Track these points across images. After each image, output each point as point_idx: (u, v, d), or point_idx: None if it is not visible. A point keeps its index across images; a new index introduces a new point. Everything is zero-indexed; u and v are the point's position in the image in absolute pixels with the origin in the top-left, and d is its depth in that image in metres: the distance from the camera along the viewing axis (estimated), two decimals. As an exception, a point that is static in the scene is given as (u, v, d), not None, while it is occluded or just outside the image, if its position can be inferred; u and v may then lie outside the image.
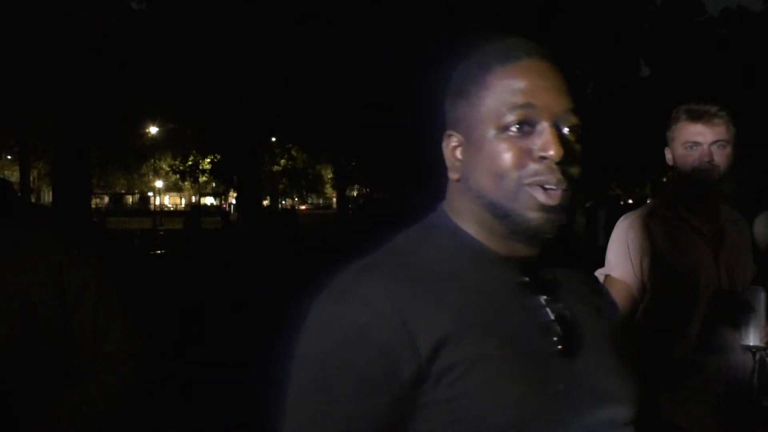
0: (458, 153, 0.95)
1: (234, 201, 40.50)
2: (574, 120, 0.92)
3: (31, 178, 41.23)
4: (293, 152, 35.34)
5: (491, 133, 0.91)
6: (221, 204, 48.76)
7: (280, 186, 41.60)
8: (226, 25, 19.65)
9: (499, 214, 0.91)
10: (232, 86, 20.48)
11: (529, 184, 0.89)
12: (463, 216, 0.96)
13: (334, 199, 45.67)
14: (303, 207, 55.40)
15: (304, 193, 46.06)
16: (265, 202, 37.33)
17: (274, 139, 31.27)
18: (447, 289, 0.88)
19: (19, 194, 1.52)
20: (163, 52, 19.97)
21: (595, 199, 16.89)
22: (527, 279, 0.93)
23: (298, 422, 0.88)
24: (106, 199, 55.30)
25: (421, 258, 0.91)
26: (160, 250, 19.64)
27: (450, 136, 0.96)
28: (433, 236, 0.95)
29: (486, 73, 0.92)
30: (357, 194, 42.75)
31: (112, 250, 18.84)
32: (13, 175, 47.90)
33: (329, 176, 46.27)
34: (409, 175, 21.63)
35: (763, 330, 1.88)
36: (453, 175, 0.96)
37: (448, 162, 0.96)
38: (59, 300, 1.35)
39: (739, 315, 1.92)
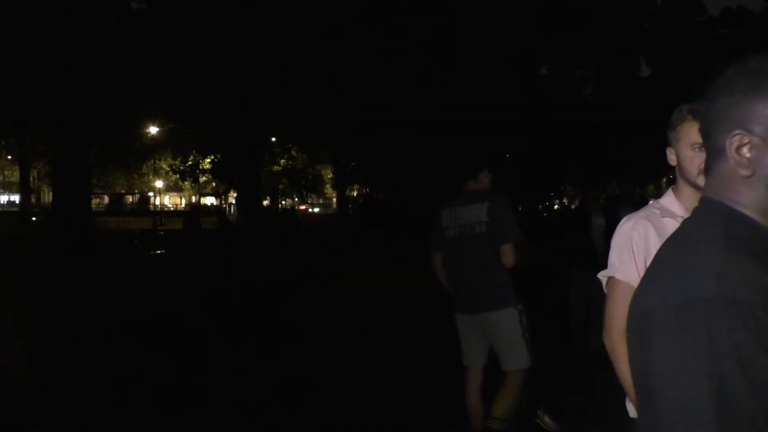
0: (746, 151, 0.97)
1: (234, 201, 40.46)
2: None
3: (31, 178, 41.20)
4: (293, 152, 35.34)
5: None
6: (221, 204, 48.71)
7: (280, 186, 41.56)
8: (226, 26, 19.64)
9: None
10: (232, 86, 20.47)
11: None
12: (755, 210, 0.99)
13: (334, 199, 45.63)
14: (303, 207, 55.32)
15: (304, 193, 46.04)
16: (265, 202, 37.31)
17: (274, 139, 31.27)
18: None
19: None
20: (163, 52, 19.97)
21: (614, 199, 16.83)
22: None
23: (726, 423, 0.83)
24: (106, 198, 55.29)
25: (755, 249, 0.93)
26: (160, 250, 19.62)
27: (739, 135, 0.97)
28: (739, 230, 0.97)
29: None
30: (357, 194, 42.71)
31: (110, 251, 18.88)
32: (13, 175, 47.92)
33: (329, 176, 46.23)
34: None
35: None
36: (744, 172, 0.98)
37: (735, 159, 0.98)
38: None
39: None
